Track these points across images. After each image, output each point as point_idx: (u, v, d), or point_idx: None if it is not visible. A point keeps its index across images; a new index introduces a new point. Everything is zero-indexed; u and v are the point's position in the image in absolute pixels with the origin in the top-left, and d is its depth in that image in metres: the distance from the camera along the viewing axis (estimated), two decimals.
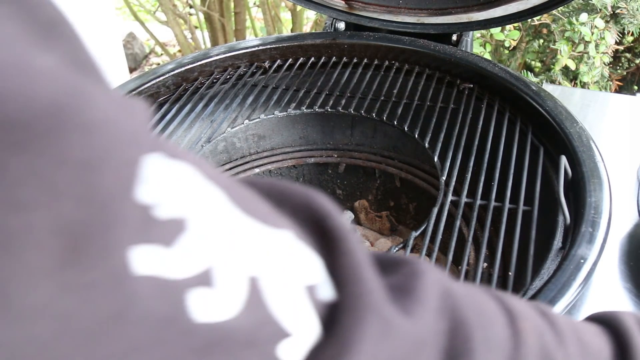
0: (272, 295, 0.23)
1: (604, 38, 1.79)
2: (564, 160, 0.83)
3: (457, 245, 0.77)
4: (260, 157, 1.26)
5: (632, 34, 1.83)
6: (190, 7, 2.73)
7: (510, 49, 1.97)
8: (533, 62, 2.08)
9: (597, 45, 1.79)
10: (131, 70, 3.01)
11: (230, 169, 1.24)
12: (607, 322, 0.37)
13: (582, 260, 0.70)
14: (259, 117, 1.04)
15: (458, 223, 0.80)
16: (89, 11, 1.34)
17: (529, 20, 1.86)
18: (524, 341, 0.29)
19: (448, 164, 0.90)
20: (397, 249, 0.78)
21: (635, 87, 2.08)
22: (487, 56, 1.85)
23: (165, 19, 2.51)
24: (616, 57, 1.99)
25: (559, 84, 1.89)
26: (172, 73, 1.09)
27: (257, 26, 2.78)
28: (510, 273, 0.72)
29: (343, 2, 1.21)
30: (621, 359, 0.34)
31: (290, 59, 1.17)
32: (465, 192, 0.85)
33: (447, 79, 1.09)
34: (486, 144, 0.93)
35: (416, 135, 0.98)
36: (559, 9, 1.68)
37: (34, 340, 0.20)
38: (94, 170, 0.19)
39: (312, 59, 1.17)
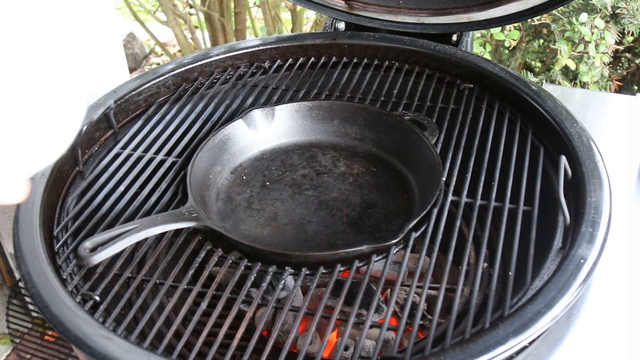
0: None
1: (604, 38, 1.79)
2: (564, 160, 0.83)
3: (457, 245, 0.77)
4: None
5: (632, 34, 1.83)
6: (190, 7, 2.73)
7: (510, 49, 1.97)
8: (533, 62, 2.08)
9: (597, 45, 1.79)
10: (131, 70, 3.01)
11: None
12: None
13: (582, 260, 0.70)
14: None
15: (458, 223, 0.80)
16: (89, 11, 1.34)
17: (529, 20, 1.86)
18: None
19: (448, 164, 0.90)
20: (397, 249, 0.78)
21: (635, 87, 2.08)
22: (487, 56, 1.85)
23: (165, 19, 2.51)
24: (616, 57, 1.99)
25: (559, 84, 1.89)
26: (172, 73, 1.09)
27: (257, 26, 2.78)
28: (510, 273, 0.72)
29: (343, 2, 1.21)
30: None
31: (290, 59, 1.16)
32: (465, 192, 0.85)
33: (447, 79, 1.09)
34: (486, 144, 0.93)
35: None
36: (559, 9, 1.68)
37: None
38: None
39: (312, 59, 1.17)
